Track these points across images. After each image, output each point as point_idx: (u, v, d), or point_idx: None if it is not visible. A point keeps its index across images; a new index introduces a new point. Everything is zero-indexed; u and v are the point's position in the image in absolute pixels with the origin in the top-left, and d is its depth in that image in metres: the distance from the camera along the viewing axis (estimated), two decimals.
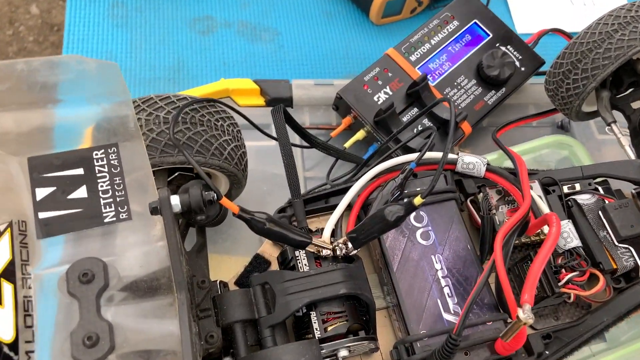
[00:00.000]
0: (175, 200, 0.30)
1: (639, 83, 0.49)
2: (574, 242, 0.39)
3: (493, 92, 0.55)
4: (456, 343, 0.31)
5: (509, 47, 0.57)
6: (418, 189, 0.40)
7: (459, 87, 0.55)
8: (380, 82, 0.53)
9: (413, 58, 0.55)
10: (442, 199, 0.40)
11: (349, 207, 0.41)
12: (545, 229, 0.38)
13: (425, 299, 0.36)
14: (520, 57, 0.57)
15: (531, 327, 0.39)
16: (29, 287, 0.27)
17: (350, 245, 0.35)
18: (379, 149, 0.49)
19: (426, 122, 0.53)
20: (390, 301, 0.38)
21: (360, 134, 0.53)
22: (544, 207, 0.39)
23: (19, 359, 0.26)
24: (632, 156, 0.44)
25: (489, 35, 0.57)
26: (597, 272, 0.38)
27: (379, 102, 0.53)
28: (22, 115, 0.29)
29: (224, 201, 0.30)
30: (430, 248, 0.38)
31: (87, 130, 0.31)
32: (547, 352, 0.37)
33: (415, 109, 0.53)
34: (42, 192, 0.29)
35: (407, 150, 0.50)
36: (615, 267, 0.39)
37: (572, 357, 0.38)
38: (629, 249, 0.39)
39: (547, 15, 0.78)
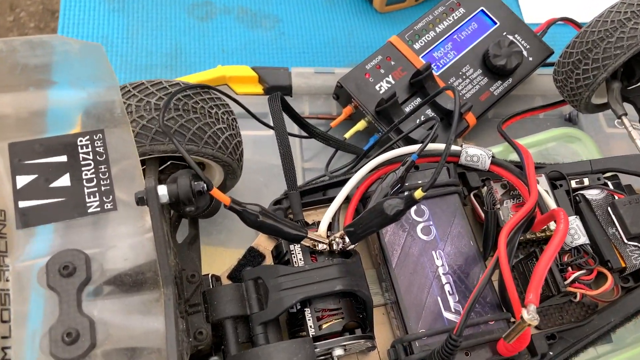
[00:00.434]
0: (162, 190, 0.28)
1: None
2: (582, 239, 0.37)
3: (499, 82, 0.53)
4: (457, 343, 0.30)
5: (516, 36, 0.55)
6: (420, 181, 0.39)
7: (464, 76, 0.53)
8: (382, 71, 0.52)
9: (417, 46, 0.53)
10: (445, 192, 0.38)
11: (347, 199, 0.39)
12: (552, 225, 0.37)
13: (425, 297, 0.35)
14: (528, 46, 0.55)
15: (535, 327, 0.37)
16: (7, 280, 0.26)
17: (347, 239, 0.33)
18: (380, 139, 0.48)
19: (429, 112, 0.51)
20: (388, 298, 0.36)
21: (361, 124, 0.51)
22: (551, 203, 0.37)
23: None
24: None
25: (496, 23, 0.55)
26: (605, 271, 0.37)
27: (381, 92, 0.51)
28: (1, 99, 0.27)
29: (215, 192, 0.29)
30: (431, 243, 0.36)
31: (71, 115, 0.29)
32: (551, 353, 0.35)
33: (419, 99, 0.51)
34: (22, 180, 0.28)
35: (409, 141, 0.48)
36: (624, 265, 0.37)
37: (577, 358, 0.37)
38: (639, 246, 0.37)
39: (557, 4, 0.76)
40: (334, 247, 0.34)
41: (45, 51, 0.28)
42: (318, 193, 0.41)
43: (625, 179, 0.41)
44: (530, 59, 0.54)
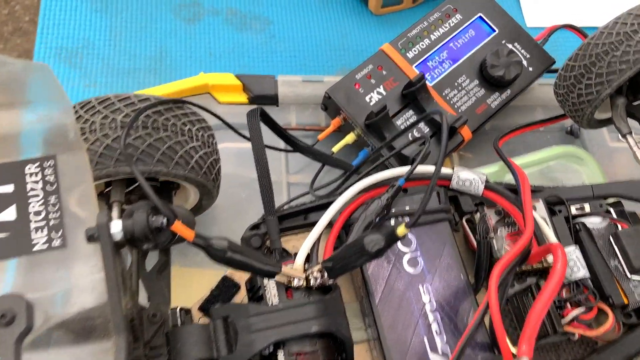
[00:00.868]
0: (116, 226, 0.25)
1: None
2: (581, 272, 0.34)
3: (497, 94, 0.50)
4: None
5: (516, 44, 0.52)
6: (407, 207, 0.36)
7: (460, 87, 0.50)
8: (373, 81, 0.49)
9: (410, 55, 0.50)
10: (434, 219, 0.35)
11: (331, 224, 0.36)
12: (550, 257, 0.34)
13: (411, 336, 0.32)
14: (528, 55, 0.52)
15: None
16: None
17: (325, 274, 0.31)
18: (369, 158, 0.45)
19: (422, 125, 0.48)
20: (371, 334, 0.34)
21: (350, 138, 0.49)
22: (549, 233, 0.34)
23: None
24: None
25: (494, 30, 0.52)
26: (606, 308, 0.34)
27: (371, 103, 0.48)
28: None
29: (176, 227, 0.26)
30: (418, 277, 0.34)
31: (19, 140, 0.27)
32: None
33: (411, 111, 0.48)
34: None
35: (401, 158, 0.46)
36: (626, 301, 0.34)
37: None
38: None
39: (561, 8, 0.73)
40: (312, 282, 0.31)
41: None
42: (299, 217, 0.38)
43: (629, 206, 0.38)
44: (531, 69, 0.51)
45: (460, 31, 0.52)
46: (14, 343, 0.23)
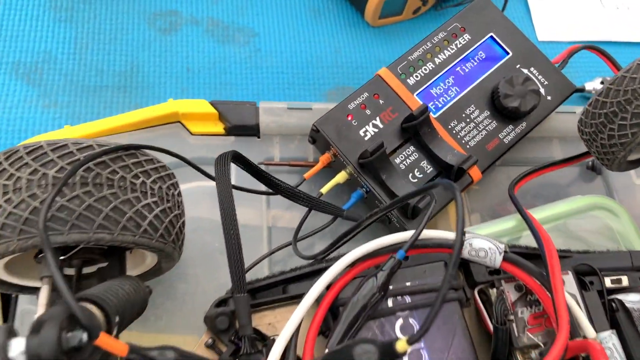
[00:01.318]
0: (17, 347, 0.19)
1: None
2: None
3: (511, 127, 0.44)
4: None
5: (532, 69, 0.45)
6: (408, 283, 0.29)
7: (469, 119, 0.43)
8: (368, 112, 0.42)
9: (411, 81, 0.44)
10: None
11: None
12: None
13: None
14: (546, 82, 0.45)
15: None
16: None
17: None
18: (368, 223, 0.37)
19: (425, 165, 0.42)
20: None
21: (341, 177, 0.42)
22: (585, 325, 0.28)
23: None
24: None
25: (508, 53, 0.46)
26: None
27: (366, 138, 0.41)
28: None
29: (102, 341, 0.20)
30: None
31: None
32: None
33: (412, 148, 0.42)
34: None
35: (403, 209, 0.39)
36: None
37: None
38: None
39: (574, 20, 0.66)
40: None
41: None
42: (276, 289, 0.31)
43: None
44: (549, 97, 0.45)
45: (469, 54, 0.45)
46: None
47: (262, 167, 0.45)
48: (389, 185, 0.39)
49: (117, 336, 0.24)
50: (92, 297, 0.22)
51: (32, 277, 0.32)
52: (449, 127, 0.43)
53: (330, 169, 0.44)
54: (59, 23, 0.57)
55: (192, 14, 0.60)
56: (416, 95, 0.43)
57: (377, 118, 0.42)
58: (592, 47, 0.48)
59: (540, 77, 0.45)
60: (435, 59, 0.45)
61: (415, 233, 0.28)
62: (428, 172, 0.41)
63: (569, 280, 0.30)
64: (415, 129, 0.41)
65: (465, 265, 0.32)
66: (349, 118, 0.42)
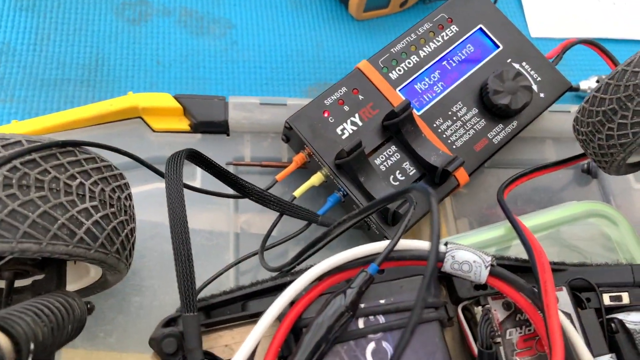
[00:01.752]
0: None
1: None
2: None
3: (501, 126, 0.40)
4: None
5: (524, 64, 0.42)
6: (382, 300, 0.26)
7: (455, 117, 0.40)
8: (346, 108, 0.39)
9: (394, 75, 0.40)
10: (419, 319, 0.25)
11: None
12: None
13: None
14: (539, 78, 0.42)
15: None
16: None
17: None
18: (343, 229, 0.33)
19: (407, 166, 0.38)
20: None
21: (316, 178, 0.38)
22: (581, 348, 0.24)
23: None
24: None
25: (498, 46, 0.42)
26: None
27: (344, 137, 0.38)
28: None
29: None
30: None
31: None
32: None
33: (394, 147, 0.38)
34: None
35: (383, 213, 0.36)
36: None
37: None
38: None
39: (568, 16, 0.63)
40: None
41: None
42: (235, 305, 0.28)
43: None
44: (542, 95, 0.42)
45: (456, 47, 0.42)
46: None
47: (231, 167, 0.41)
48: (367, 189, 0.36)
49: None
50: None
51: None
52: (434, 125, 0.39)
53: (305, 170, 0.40)
54: (19, 12, 0.53)
55: (164, 4, 0.56)
56: (399, 90, 0.40)
57: (356, 115, 0.38)
58: (589, 41, 0.45)
59: (532, 72, 0.42)
60: (420, 51, 0.41)
61: (390, 244, 0.24)
62: (411, 174, 0.38)
63: (563, 297, 0.27)
64: (397, 127, 0.38)
65: (448, 280, 0.29)
66: (325, 115, 0.38)
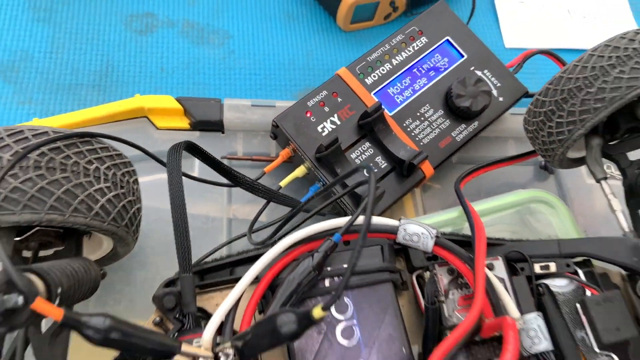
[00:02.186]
0: None
1: (638, 129, 0.39)
2: (543, 344, 0.30)
3: (463, 126, 0.46)
4: None
5: (486, 71, 0.47)
6: (345, 265, 0.31)
7: (423, 118, 0.45)
8: (326, 109, 0.44)
9: (369, 81, 0.46)
10: (375, 280, 0.30)
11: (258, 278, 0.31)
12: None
13: None
14: (499, 84, 0.47)
15: None
16: None
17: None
18: (315, 196, 0.40)
19: (380, 160, 0.43)
20: None
21: (299, 171, 0.44)
22: (508, 303, 0.29)
23: None
24: (625, 227, 0.35)
25: (463, 56, 0.48)
26: None
27: (324, 134, 0.43)
28: None
29: (38, 305, 0.21)
30: (352, 351, 0.29)
31: None
32: None
33: (368, 144, 0.44)
34: None
35: (354, 196, 0.41)
36: None
37: None
38: (612, 357, 0.30)
39: (542, 29, 0.69)
40: None
41: None
42: (225, 270, 0.33)
43: (602, 266, 0.34)
44: (501, 99, 0.47)
45: (426, 56, 0.47)
46: None
47: (225, 161, 0.46)
48: (344, 180, 0.41)
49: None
50: (34, 269, 0.24)
51: None
52: (404, 124, 0.45)
53: (291, 164, 0.45)
54: (37, 23, 0.58)
55: (168, 16, 0.62)
56: (373, 94, 0.45)
57: (335, 115, 0.44)
58: (546, 51, 0.51)
59: (493, 79, 0.47)
60: (393, 60, 0.47)
61: (352, 218, 0.29)
62: (382, 167, 0.43)
63: (499, 265, 0.32)
64: (370, 126, 0.43)
65: (405, 252, 0.34)
66: (308, 115, 0.44)
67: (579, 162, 0.42)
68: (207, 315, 0.31)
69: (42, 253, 0.34)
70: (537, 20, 0.69)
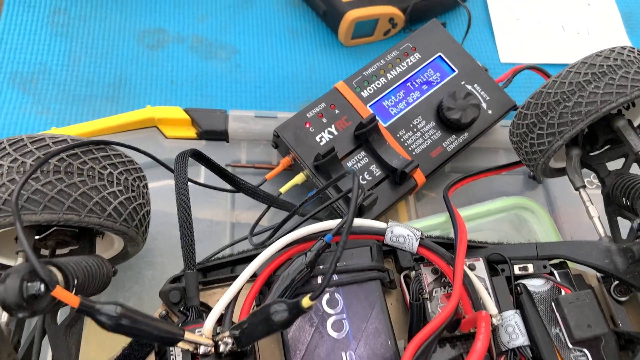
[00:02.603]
0: None
1: (616, 140, 0.42)
2: (520, 339, 0.32)
3: (454, 137, 0.48)
4: None
5: (475, 85, 0.50)
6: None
7: (415, 129, 0.48)
8: (324, 120, 0.47)
9: (365, 94, 0.48)
10: (364, 278, 0.33)
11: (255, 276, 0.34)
12: None
13: None
14: (488, 97, 0.50)
15: None
16: None
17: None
18: (310, 198, 0.43)
19: (374, 168, 0.46)
20: None
21: (299, 178, 0.47)
22: (485, 299, 0.32)
23: None
24: (601, 232, 0.37)
25: (454, 71, 0.50)
26: None
27: (322, 143, 0.46)
28: None
29: (58, 294, 0.24)
30: (341, 342, 0.31)
31: None
32: None
33: (363, 153, 0.46)
34: None
35: (349, 201, 0.43)
36: None
37: None
38: (584, 352, 0.32)
39: (536, 44, 0.71)
40: (221, 348, 0.29)
41: None
42: (226, 269, 0.36)
43: (578, 269, 0.36)
44: (490, 112, 0.49)
45: (419, 71, 0.50)
46: None
47: (229, 168, 0.49)
48: (339, 186, 0.44)
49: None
50: (54, 261, 0.27)
51: (11, 256, 0.37)
52: (397, 135, 0.47)
53: (291, 171, 0.48)
54: (55, 37, 0.62)
55: (179, 32, 0.65)
56: (369, 106, 0.48)
57: (333, 126, 0.47)
58: (535, 67, 0.53)
59: (482, 93, 0.50)
60: (388, 74, 0.49)
61: (342, 220, 0.32)
62: (376, 174, 0.46)
63: (480, 265, 0.34)
64: (365, 136, 0.46)
65: (394, 253, 0.36)
66: (307, 125, 0.46)
67: (562, 171, 0.44)
68: (209, 310, 0.34)
69: (58, 252, 0.37)
70: (532, 36, 0.72)
